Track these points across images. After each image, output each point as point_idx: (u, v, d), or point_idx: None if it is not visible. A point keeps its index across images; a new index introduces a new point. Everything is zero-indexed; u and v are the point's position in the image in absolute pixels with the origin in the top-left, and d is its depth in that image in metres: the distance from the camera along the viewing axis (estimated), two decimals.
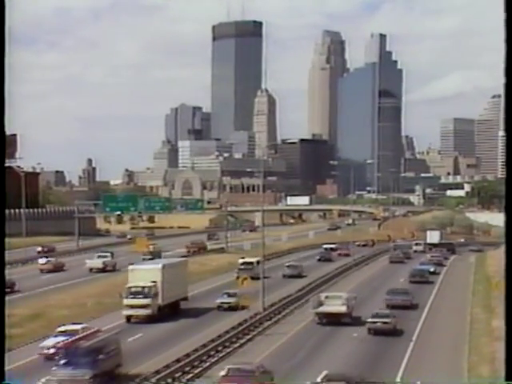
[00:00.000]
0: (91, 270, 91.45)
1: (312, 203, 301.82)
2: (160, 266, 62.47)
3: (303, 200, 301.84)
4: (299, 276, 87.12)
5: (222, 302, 64.40)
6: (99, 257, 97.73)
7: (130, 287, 59.20)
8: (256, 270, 78.29)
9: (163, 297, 59.84)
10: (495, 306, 58.59)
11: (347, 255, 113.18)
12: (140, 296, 58.18)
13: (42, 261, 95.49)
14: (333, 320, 56.67)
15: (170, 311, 61.04)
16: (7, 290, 75.62)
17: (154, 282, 59.35)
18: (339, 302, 58.36)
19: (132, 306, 57.93)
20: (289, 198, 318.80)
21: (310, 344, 50.52)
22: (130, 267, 63.51)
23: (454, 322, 59.60)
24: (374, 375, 40.15)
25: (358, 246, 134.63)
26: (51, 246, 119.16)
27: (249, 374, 37.91)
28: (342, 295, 60.62)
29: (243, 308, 61.38)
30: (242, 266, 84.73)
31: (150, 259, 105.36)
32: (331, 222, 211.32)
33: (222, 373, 38.51)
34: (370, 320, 53.98)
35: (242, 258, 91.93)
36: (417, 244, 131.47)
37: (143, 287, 58.86)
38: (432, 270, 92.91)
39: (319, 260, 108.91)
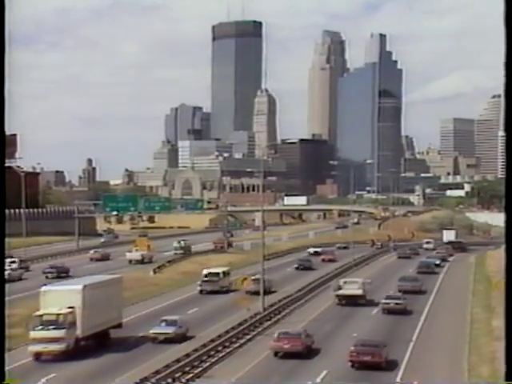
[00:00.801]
0: (130, 261, 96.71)
1: (310, 203, 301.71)
2: (80, 286, 49.60)
3: (300, 200, 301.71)
4: (267, 292, 67.62)
5: (157, 333, 50.55)
6: (137, 250, 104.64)
7: (41, 315, 46.96)
8: (221, 283, 73.19)
9: (83, 326, 47.69)
10: (495, 306, 58.69)
11: (332, 261, 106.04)
12: (51, 327, 46.06)
13: (91, 251, 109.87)
14: (350, 301, 65.04)
15: (96, 343, 49.15)
16: (63, 274, 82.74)
17: (71, 307, 47.44)
18: (356, 286, 66.71)
19: (41, 340, 45.71)
20: (286, 198, 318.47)
21: None
22: (43, 289, 50.50)
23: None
24: None
25: (339, 248, 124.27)
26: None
27: (296, 337, 45.52)
28: (359, 280, 69.12)
29: (185, 339, 50.57)
30: (206, 278, 75.05)
31: (181, 254, 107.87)
32: (338, 221, 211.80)
33: (274, 336, 45.83)
34: (384, 301, 61.28)
35: (207, 268, 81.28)
36: (427, 242, 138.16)
37: (57, 315, 46.76)
38: (437, 262, 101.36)
39: (297, 268, 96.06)
